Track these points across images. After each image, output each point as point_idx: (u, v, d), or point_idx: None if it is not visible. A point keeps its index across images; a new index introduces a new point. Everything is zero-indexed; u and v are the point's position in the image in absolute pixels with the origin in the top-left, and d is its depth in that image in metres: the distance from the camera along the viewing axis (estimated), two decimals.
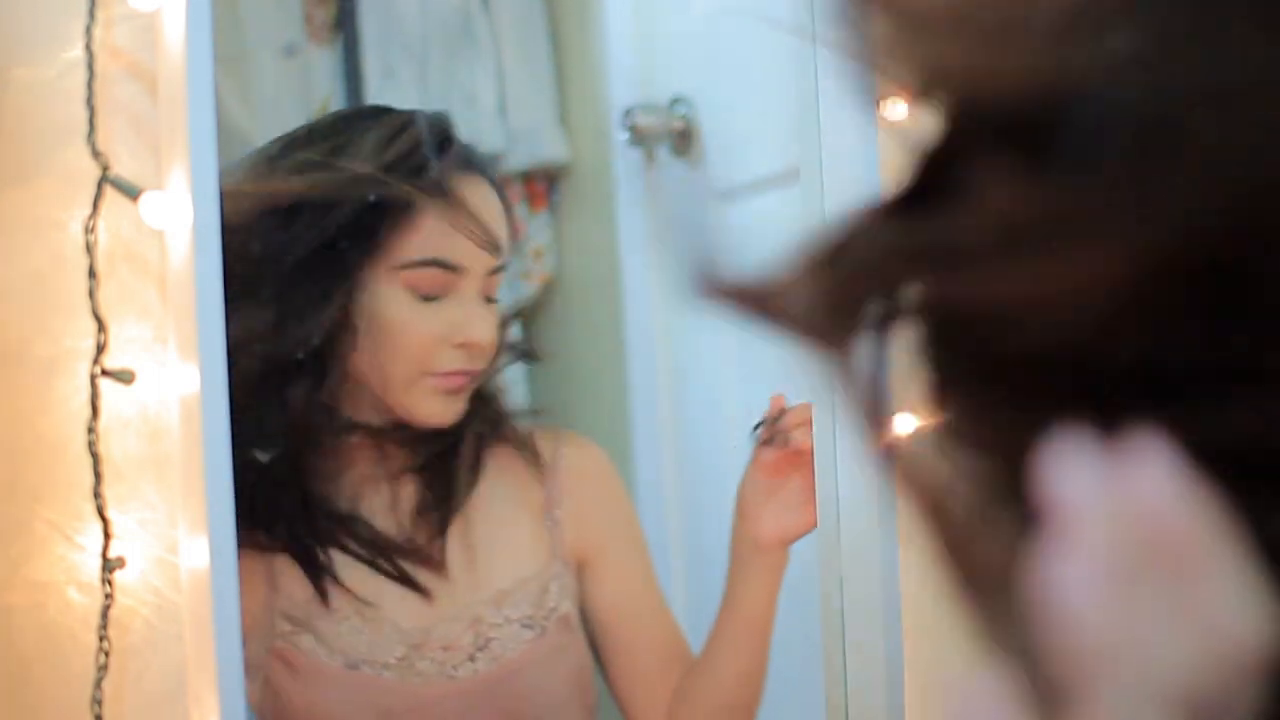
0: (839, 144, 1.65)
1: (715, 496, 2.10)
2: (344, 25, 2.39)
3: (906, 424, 1.86)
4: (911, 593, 1.75)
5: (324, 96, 2.38)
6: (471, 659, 1.81)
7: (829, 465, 1.67)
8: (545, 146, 2.50)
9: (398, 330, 1.78)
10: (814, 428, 1.71)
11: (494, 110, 2.47)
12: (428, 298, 1.79)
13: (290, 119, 2.33)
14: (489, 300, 1.84)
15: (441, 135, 1.84)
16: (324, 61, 2.38)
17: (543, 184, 2.53)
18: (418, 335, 1.79)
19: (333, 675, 1.78)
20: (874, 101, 1.68)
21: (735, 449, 1.95)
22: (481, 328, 1.82)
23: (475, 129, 2.41)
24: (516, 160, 2.48)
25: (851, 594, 1.67)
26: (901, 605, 1.68)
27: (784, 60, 2.08)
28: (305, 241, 1.76)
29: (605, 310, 2.46)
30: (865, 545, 1.66)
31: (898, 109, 1.85)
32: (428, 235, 1.80)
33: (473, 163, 1.87)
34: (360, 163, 1.77)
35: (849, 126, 1.65)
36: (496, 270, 1.84)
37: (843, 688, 1.68)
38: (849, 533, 1.66)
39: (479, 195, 1.84)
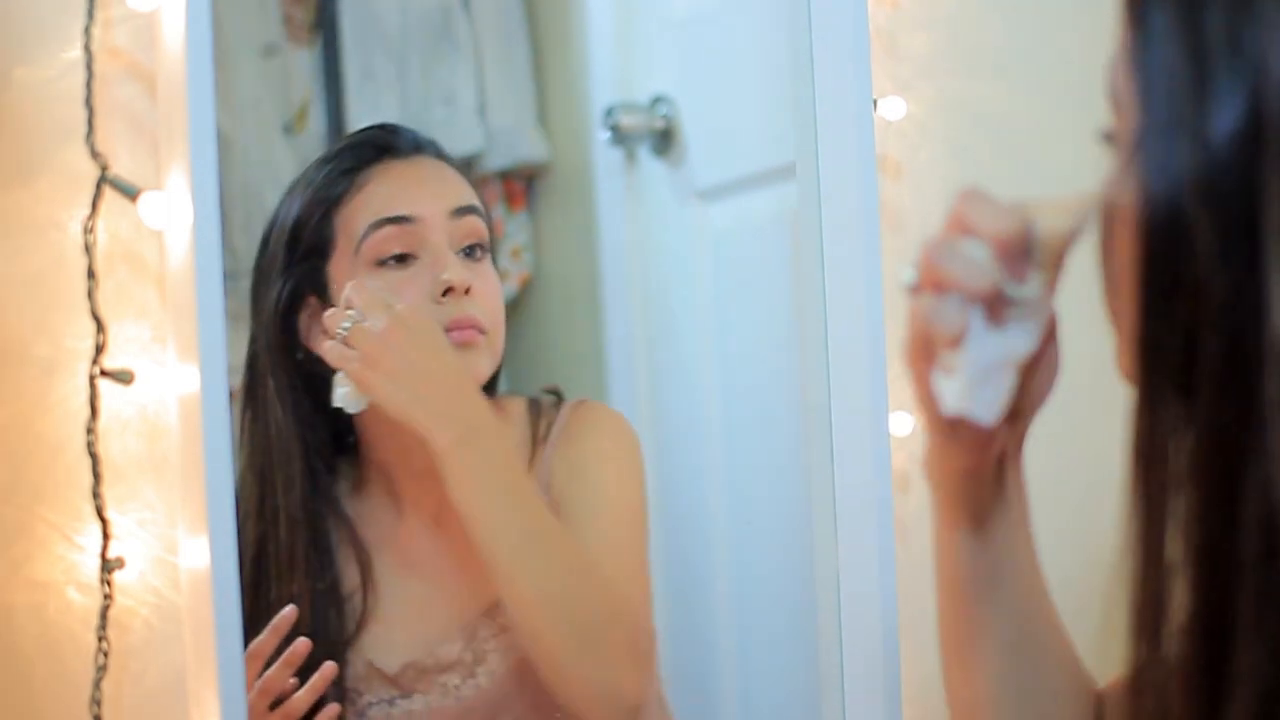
0: (836, 142, 1.66)
1: (693, 495, 2.11)
2: (323, 26, 2.39)
3: (903, 424, 1.87)
4: (908, 591, 1.76)
5: (303, 97, 2.38)
6: (473, 676, 1.78)
7: (825, 465, 1.68)
8: (524, 146, 2.50)
9: None
10: (809, 427, 1.72)
11: (473, 110, 2.48)
12: (400, 260, 1.76)
13: (269, 119, 2.33)
14: (471, 250, 1.81)
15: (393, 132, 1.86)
16: (303, 62, 2.38)
17: (521, 183, 2.54)
18: (401, 298, 1.73)
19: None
20: (870, 99, 1.69)
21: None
22: (456, 269, 1.77)
23: (454, 129, 2.42)
24: (495, 160, 2.48)
25: (848, 592, 1.68)
26: (898, 603, 1.69)
27: (765, 59, 2.09)
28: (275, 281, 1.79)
29: (584, 310, 2.47)
30: (862, 544, 1.67)
31: (895, 107, 1.87)
32: (367, 203, 1.78)
33: (420, 145, 1.86)
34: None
35: (846, 123, 1.66)
36: (461, 212, 1.81)
37: (840, 688, 1.69)
38: (846, 531, 1.67)
39: (421, 165, 1.84)
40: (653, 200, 2.40)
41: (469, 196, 1.83)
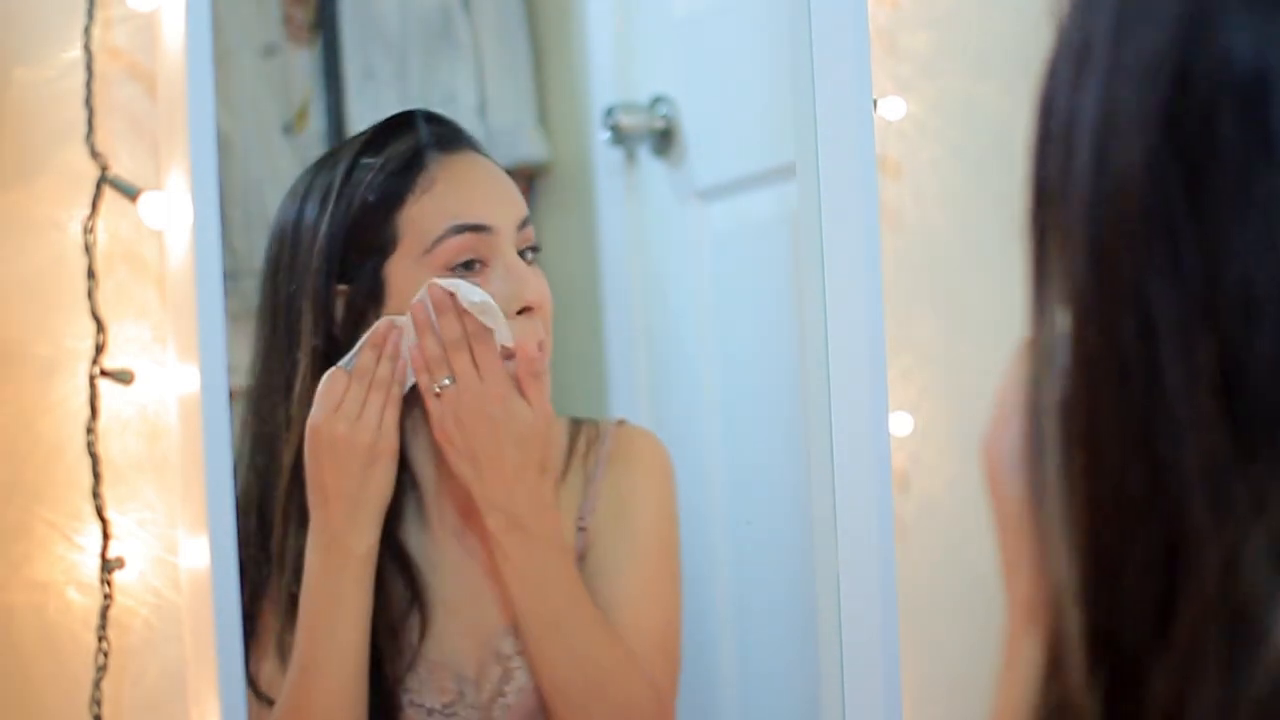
0: (836, 142, 1.66)
1: (693, 495, 2.11)
2: (323, 25, 2.39)
3: (903, 424, 1.86)
4: (908, 592, 1.76)
5: (303, 97, 2.38)
6: (502, 695, 1.76)
7: (825, 465, 1.68)
8: (525, 146, 2.50)
9: None
10: (809, 427, 1.72)
11: (474, 110, 2.47)
12: (467, 267, 1.71)
13: (270, 119, 2.33)
14: (523, 253, 1.76)
15: (431, 121, 1.81)
16: (303, 62, 2.38)
17: (522, 183, 2.53)
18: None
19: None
20: (870, 99, 1.69)
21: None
22: (535, 284, 1.74)
23: None
24: (495, 159, 2.47)
25: (848, 592, 1.67)
26: (898, 605, 1.68)
27: (765, 59, 2.09)
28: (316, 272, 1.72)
29: (584, 310, 2.47)
30: (862, 544, 1.67)
31: (895, 107, 1.87)
32: (439, 205, 1.73)
33: (470, 141, 1.82)
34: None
35: (846, 123, 1.66)
36: (525, 223, 1.76)
37: (840, 688, 1.69)
38: (846, 531, 1.67)
39: (480, 165, 1.80)
40: (653, 200, 2.39)
41: (525, 205, 1.80)
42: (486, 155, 1.83)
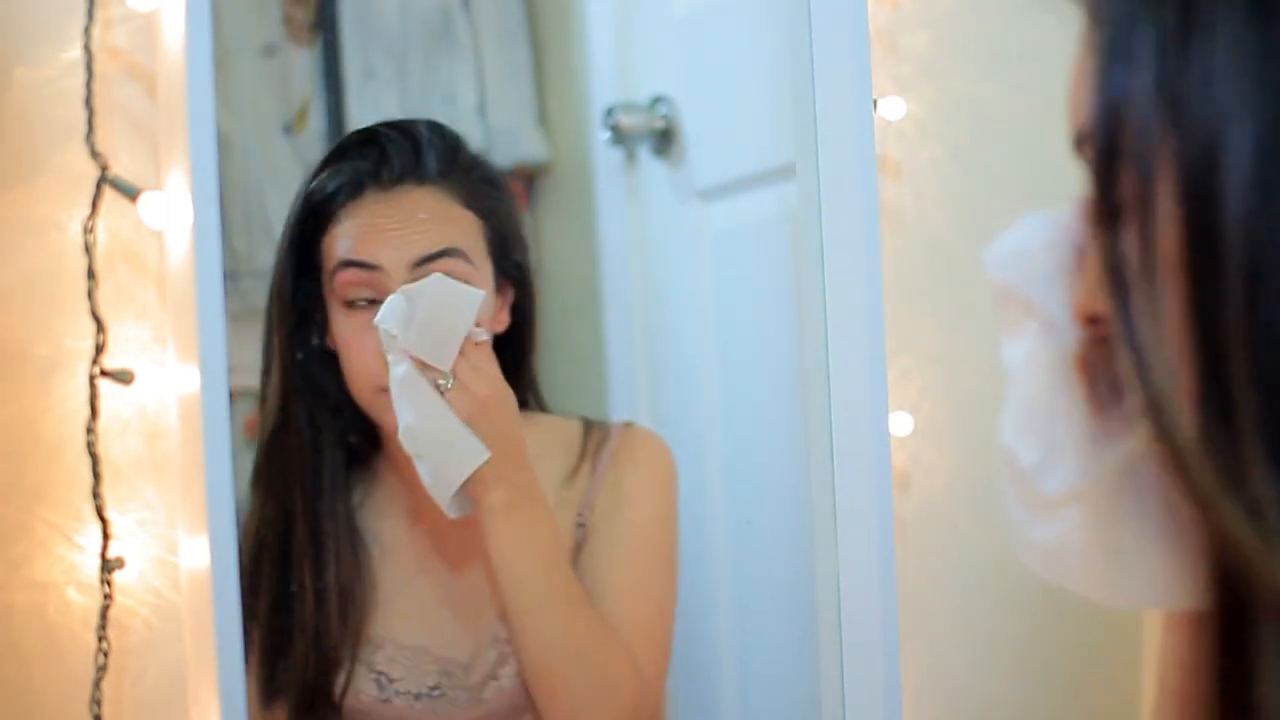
0: (836, 142, 1.66)
1: (692, 495, 2.11)
2: (323, 25, 2.39)
3: (903, 424, 1.86)
4: (908, 592, 1.76)
5: (303, 96, 2.38)
6: (495, 678, 1.79)
7: (825, 465, 1.68)
8: (524, 146, 2.50)
9: (344, 347, 1.75)
10: (809, 427, 1.72)
11: (474, 110, 2.48)
12: (357, 304, 1.73)
13: (270, 119, 2.33)
14: None
15: (391, 142, 1.80)
16: (303, 61, 2.38)
17: (521, 183, 2.54)
18: (359, 349, 1.73)
19: (365, 707, 1.77)
20: (870, 99, 1.69)
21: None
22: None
23: (455, 128, 2.42)
24: (496, 159, 2.48)
25: (848, 592, 1.67)
26: (898, 603, 1.68)
27: (765, 59, 2.09)
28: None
29: (584, 309, 2.47)
30: (862, 544, 1.67)
31: (895, 107, 1.86)
32: (337, 241, 1.75)
33: (406, 172, 1.78)
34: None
35: (846, 123, 1.66)
36: (426, 260, 1.73)
37: (839, 690, 1.69)
38: (846, 531, 1.67)
39: (398, 202, 1.76)
40: (653, 200, 2.40)
41: (441, 240, 1.75)
42: (437, 184, 1.79)
